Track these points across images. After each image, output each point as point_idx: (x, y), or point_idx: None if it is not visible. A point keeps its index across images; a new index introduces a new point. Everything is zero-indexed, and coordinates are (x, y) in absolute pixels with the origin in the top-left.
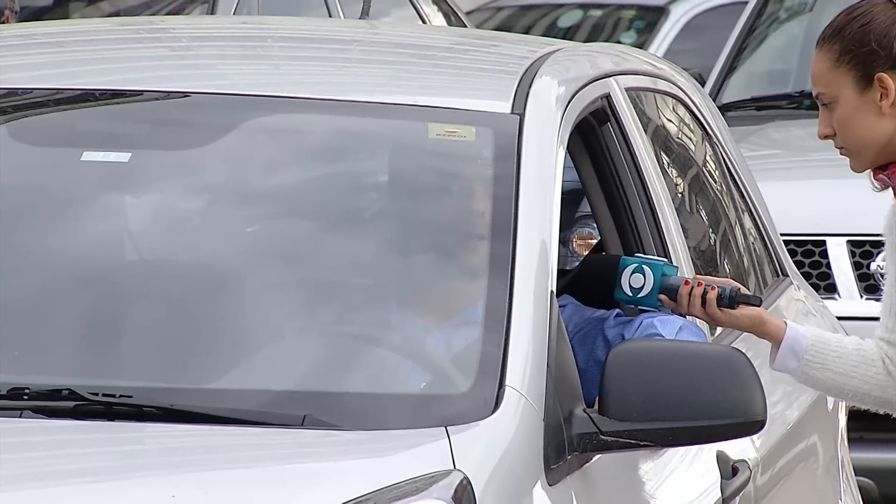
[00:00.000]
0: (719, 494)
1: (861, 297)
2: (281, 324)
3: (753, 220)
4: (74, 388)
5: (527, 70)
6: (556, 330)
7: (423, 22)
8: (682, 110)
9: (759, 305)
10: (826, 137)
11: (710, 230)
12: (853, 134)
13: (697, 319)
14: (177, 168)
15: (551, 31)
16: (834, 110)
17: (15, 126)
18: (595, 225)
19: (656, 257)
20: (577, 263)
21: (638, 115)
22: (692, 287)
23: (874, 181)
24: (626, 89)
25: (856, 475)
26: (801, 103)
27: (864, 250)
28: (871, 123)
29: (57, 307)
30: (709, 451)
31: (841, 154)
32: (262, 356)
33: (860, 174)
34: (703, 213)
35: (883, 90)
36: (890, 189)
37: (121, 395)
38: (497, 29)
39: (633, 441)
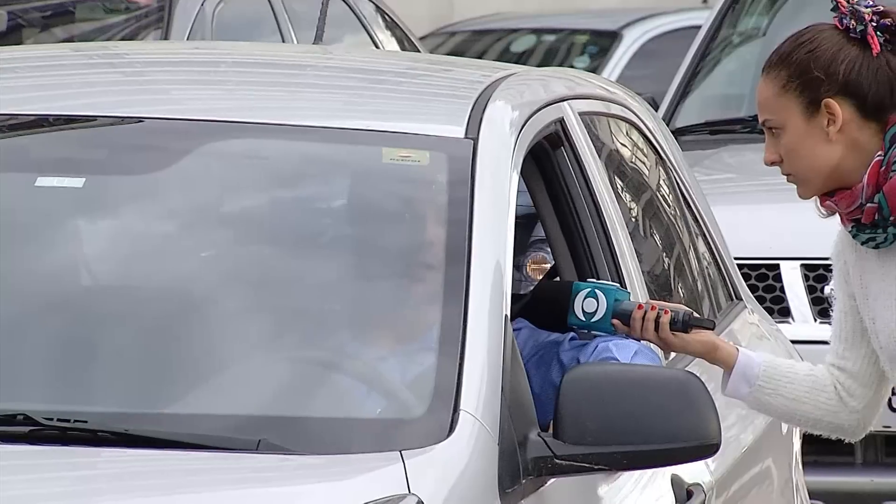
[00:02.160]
0: None
1: (815, 320)
2: (236, 349)
3: (707, 244)
4: (29, 412)
5: (480, 94)
6: (510, 354)
7: (377, 47)
8: (635, 135)
9: (712, 329)
10: (773, 164)
11: (664, 254)
12: (801, 161)
13: (652, 344)
14: (131, 193)
15: (505, 56)
16: (781, 137)
17: None
18: (549, 249)
19: (609, 282)
20: (531, 288)
21: (591, 139)
22: (645, 311)
23: (821, 208)
24: (580, 114)
25: (810, 498)
26: (754, 128)
27: (817, 274)
28: (819, 150)
29: (11, 332)
30: (663, 475)
31: (788, 181)
32: (217, 381)
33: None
34: (657, 238)
35: (830, 116)
36: (838, 214)
37: (75, 420)
38: (451, 54)
39: (587, 465)
